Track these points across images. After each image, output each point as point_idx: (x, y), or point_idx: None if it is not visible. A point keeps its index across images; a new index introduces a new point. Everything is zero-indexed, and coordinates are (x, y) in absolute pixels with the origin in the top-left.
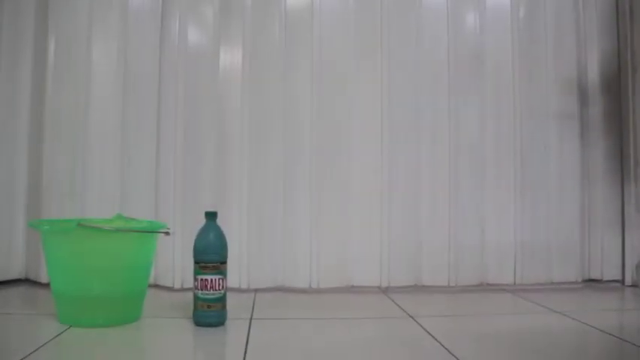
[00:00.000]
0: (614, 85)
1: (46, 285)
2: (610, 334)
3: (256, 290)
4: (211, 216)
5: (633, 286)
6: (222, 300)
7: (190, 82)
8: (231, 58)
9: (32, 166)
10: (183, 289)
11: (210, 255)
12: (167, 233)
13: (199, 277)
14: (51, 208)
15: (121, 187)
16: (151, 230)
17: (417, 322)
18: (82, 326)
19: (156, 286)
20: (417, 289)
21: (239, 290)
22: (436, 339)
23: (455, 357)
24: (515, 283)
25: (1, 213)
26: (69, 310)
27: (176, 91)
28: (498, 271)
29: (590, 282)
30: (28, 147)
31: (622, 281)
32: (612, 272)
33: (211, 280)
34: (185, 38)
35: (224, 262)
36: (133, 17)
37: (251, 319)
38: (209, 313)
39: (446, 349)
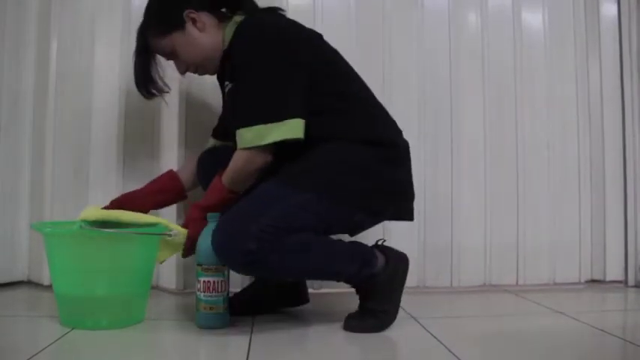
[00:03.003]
0: None
1: (49, 287)
2: (612, 335)
3: None
4: (214, 218)
5: (636, 286)
6: (224, 302)
7: (193, 84)
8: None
9: (35, 168)
10: (185, 292)
11: (213, 257)
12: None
13: (201, 279)
14: (53, 210)
15: (123, 188)
16: (154, 232)
17: (419, 323)
18: (85, 328)
19: (157, 287)
20: (420, 290)
21: None
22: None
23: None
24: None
25: (4, 215)
26: (71, 312)
27: (178, 93)
28: (501, 271)
29: (593, 282)
30: (31, 149)
31: (625, 282)
32: (615, 273)
33: (214, 282)
34: None
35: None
36: (136, 21)
37: (253, 321)
38: (211, 316)
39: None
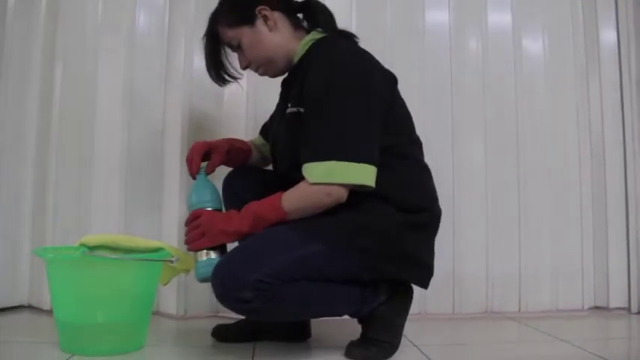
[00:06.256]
0: None
1: (49, 312)
2: None
3: None
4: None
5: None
6: (222, 246)
7: (195, 106)
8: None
9: (38, 191)
10: (186, 317)
11: (206, 203)
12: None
13: None
14: (55, 234)
15: (125, 213)
16: (156, 259)
17: (421, 351)
18: (85, 355)
19: (158, 313)
20: (421, 316)
21: None
22: None
23: None
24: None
25: (5, 239)
26: (71, 338)
27: (181, 116)
28: (502, 298)
29: (596, 309)
30: (34, 172)
31: (628, 309)
32: (618, 299)
33: None
34: (190, 64)
35: (220, 210)
36: (139, 45)
37: (254, 348)
38: (212, 262)
39: None
